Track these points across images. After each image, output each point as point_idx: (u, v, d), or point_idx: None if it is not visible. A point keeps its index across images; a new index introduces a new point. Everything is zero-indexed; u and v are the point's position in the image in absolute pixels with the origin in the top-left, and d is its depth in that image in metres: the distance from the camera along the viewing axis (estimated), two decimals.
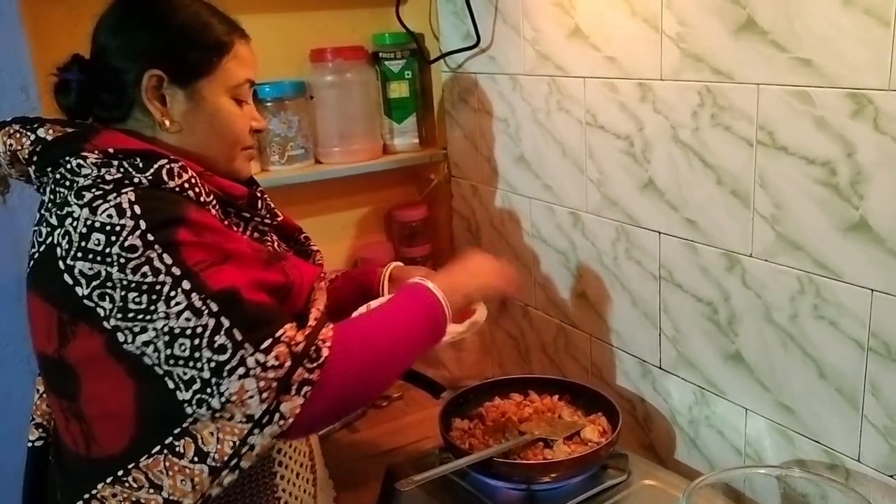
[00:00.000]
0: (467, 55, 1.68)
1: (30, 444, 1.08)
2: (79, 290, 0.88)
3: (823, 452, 1.09)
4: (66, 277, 0.89)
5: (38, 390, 1.09)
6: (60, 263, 0.89)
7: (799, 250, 1.06)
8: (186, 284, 0.87)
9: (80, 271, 0.88)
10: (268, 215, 1.11)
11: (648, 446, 1.42)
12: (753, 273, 1.13)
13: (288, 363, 0.89)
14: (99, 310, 0.88)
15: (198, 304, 0.87)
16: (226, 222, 1.00)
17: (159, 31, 0.99)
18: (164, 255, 0.87)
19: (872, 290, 0.98)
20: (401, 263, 1.33)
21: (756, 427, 1.19)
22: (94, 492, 0.92)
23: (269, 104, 1.66)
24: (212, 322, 0.87)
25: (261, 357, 0.88)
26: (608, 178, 1.37)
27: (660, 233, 1.29)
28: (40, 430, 1.08)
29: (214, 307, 0.88)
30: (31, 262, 0.95)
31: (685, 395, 1.31)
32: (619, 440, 1.23)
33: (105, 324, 0.88)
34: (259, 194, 1.12)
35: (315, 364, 0.91)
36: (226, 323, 0.88)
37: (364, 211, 1.94)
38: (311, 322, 0.97)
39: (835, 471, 1.08)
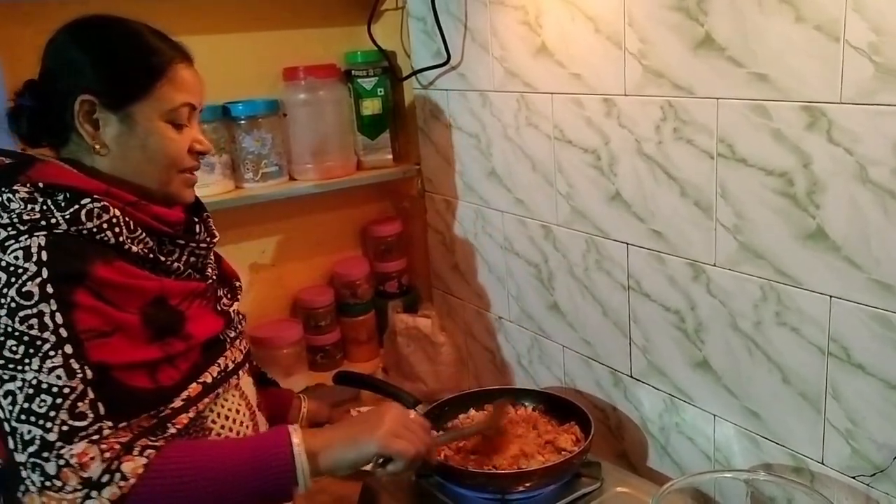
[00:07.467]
0: (438, 72, 1.71)
1: None
2: None
3: (789, 456, 1.12)
4: None
5: None
6: None
7: (760, 259, 1.09)
8: (69, 349, 0.87)
9: None
10: (207, 237, 1.11)
11: (621, 454, 1.44)
12: (718, 282, 1.16)
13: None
14: None
15: (75, 366, 0.87)
16: (165, 249, 1.01)
17: (93, 55, 0.99)
18: (56, 314, 0.87)
19: (831, 297, 1.01)
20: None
21: (724, 432, 1.21)
22: None
23: (242, 122, 1.67)
24: (81, 388, 0.87)
25: (113, 430, 0.88)
26: (577, 191, 1.40)
27: (628, 244, 1.31)
28: None
29: (90, 374, 0.88)
30: None
31: (655, 403, 1.34)
32: (592, 448, 1.25)
33: None
34: (196, 219, 1.11)
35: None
36: (91, 395, 0.87)
37: (339, 227, 1.95)
38: (190, 392, 0.98)
39: (800, 474, 1.11)
